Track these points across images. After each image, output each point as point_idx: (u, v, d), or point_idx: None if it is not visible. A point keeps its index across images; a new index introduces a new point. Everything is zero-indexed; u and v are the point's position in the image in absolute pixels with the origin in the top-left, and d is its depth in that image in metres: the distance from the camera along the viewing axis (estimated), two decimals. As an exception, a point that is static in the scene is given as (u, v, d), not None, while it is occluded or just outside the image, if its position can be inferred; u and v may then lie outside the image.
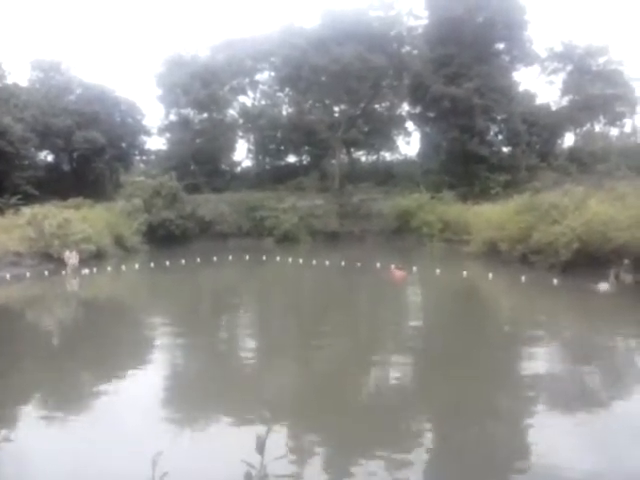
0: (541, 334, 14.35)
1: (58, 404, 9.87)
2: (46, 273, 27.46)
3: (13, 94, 54.13)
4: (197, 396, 10.21)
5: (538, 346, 13.27)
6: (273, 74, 58.23)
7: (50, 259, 29.27)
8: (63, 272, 27.74)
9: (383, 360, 12.59)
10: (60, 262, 28.63)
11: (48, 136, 52.57)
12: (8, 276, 25.97)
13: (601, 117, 59.07)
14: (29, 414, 9.44)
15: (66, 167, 59.49)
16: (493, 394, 10.19)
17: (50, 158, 59.73)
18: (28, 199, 38.61)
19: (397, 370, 11.91)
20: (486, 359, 12.31)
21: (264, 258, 34.30)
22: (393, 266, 26.94)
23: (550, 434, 8.04)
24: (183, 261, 32.04)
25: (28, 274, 26.81)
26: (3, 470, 7.26)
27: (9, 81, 56.09)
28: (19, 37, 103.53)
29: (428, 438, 8.51)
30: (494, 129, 54.54)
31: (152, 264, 31.43)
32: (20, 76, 61.44)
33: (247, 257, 34.51)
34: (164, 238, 43.34)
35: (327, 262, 30.45)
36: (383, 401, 9.96)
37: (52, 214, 31.13)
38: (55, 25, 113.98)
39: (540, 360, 12.10)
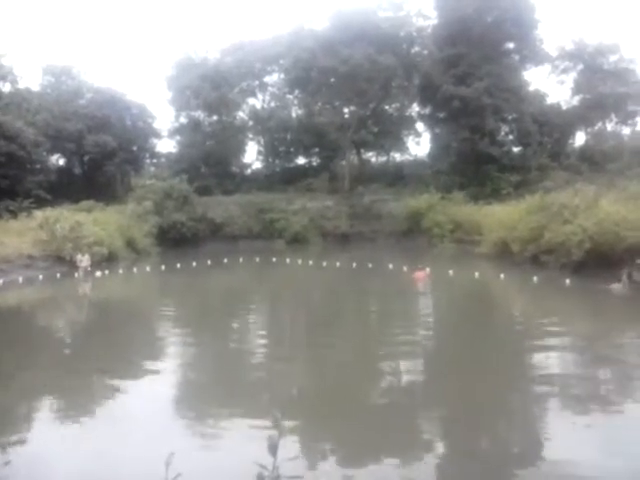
0: (556, 335, 14.23)
1: (70, 404, 9.91)
2: (58, 276, 27.62)
3: (25, 99, 54.63)
4: (208, 396, 10.23)
5: (554, 346, 13.16)
6: (282, 76, 58.38)
7: (62, 262, 29.45)
8: (75, 275, 27.89)
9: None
10: (72, 265, 28.80)
11: (59, 140, 52.95)
12: (21, 279, 26.15)
13: (613, 116, 58.61)
14: (41, 414, 9.50)
15: (77, 171, 59.92)
16: (508, 392, 10.17)
17: (62, 162, 60.20)
18: (40, 203, 38.86)
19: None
20: (507, 359, 12.33)
21: (274, 260, 34.33)
22: (405, 268, 26.92)
23: (562, 435, 7.99)
24: (194, 263, 32.15)
25: (41, 277, 26.99)
26: (18, 470, 7.30)
27: (21, 86, 56.62)
28: (31, 42, 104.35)
29: (440, 438, 8.49)
30: (505, 129, 54.35)
31: (163, 266, 31.58)
32: (32, 81, 62.27)
33: (257, 259, 34.55)
34: (175, 240, 43.60)
35: (338, 263, 30.42)
36: (402, 401, 9.94)
37: (64, 217, 31.33)
38: (66, 30, 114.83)
39: (556, 361, 12.03)
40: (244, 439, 7.96)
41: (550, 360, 12.11)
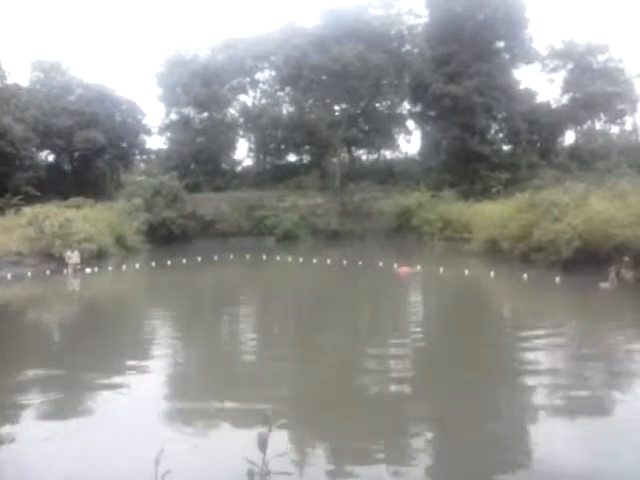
0: (544, 332, 14.32)
1: (59, 402, 9.86)
2: (47, 273, 27.46)
3: (14, 94, 54.14)
4: (198, 393, 10.19)
5: (542, 343, 13.23)
6: (274, 73, 58.23)
7: (51, 259, 29.27)
8: (64, 272, 27.73)
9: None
10: (61, 262, 28.62)
11: (49, 136, 52.62)
12: (9, 276, 25.99)
13: (601, 115, 59.02)
14: (31, 412, 9.44)
15: (67, 167, 59.57)
16: (496, 388, 10.23)
17: (51, 158, 59.85)
18: (29, 199, 38.61)
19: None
20: (497, 355, 12.38)
21: (264, 257, 34.28)
22: (396, 265, 27.05)
23: (551, 435, 8.04)
24: (184, 260, 32.05)
25: (29, 274, 26.82)
26: (6, 470, 7.26)
27: (10, 81, 56.06)
28: (20, 37, 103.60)
29: (427, 436, 8.52)
30: (495, 127, 54.59)
31: (153, 263, 31.46)
32: (21, 76, 61.85)
33: (248, 256, 34.50)
34: (165, 237, 43.42)
35: (328, 261, 30.42)
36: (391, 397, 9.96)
37: (53, 214, 31.13)
38: (55, 25, 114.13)
39: (544, 358, 12.06)
40: (234, 436, 7.97)
41: (538, 357, 12.16)
